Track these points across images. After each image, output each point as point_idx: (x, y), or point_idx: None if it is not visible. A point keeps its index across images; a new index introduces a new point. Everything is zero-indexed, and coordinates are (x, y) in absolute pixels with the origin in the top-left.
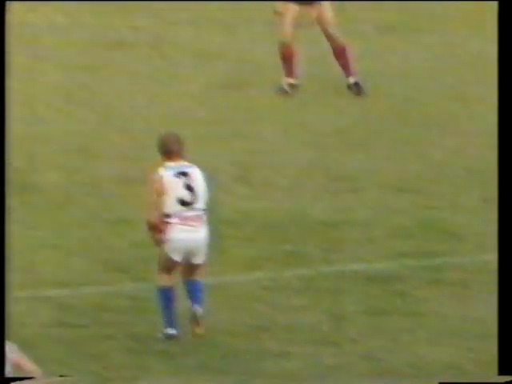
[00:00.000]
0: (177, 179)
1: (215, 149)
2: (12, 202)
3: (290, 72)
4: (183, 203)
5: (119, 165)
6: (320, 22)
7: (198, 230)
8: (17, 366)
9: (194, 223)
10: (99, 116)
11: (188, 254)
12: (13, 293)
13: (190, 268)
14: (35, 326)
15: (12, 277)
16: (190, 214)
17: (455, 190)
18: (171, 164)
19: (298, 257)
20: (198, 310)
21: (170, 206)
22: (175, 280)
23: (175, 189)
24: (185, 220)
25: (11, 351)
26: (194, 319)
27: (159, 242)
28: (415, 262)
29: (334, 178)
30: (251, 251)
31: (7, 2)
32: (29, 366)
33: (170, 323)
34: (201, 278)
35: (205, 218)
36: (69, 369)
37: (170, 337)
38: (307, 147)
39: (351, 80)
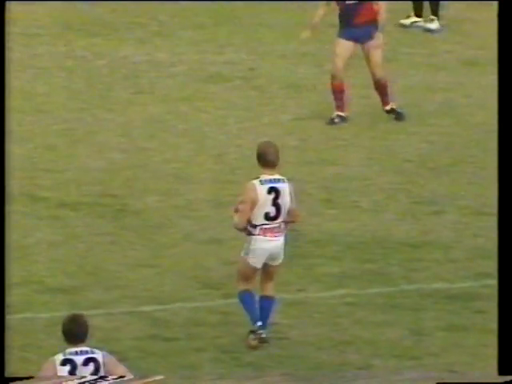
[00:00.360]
0: (268, 196)
1: (304, 174)
2: (110, 225)
3: (340, 106)
4: (268, 218)
5: (213, 189)
6: (367, 58)
7: (278, 238)
8: (111, 375)
9: (275, 234)
10: (195, 144)
11: (268, 260)
12: (109, 309)
13: (267, 271)
14: (129, 339)
15: (108, 294)
16: (272, 226)
17: None
18: (266, 177)
19: (380, 275)
20: (259, 324)
21: (257, 218)
22: (254, 286)
23: (265, 205)
24: (267, 231)
25: (106, 361)
26: (254, 333)
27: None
28: (495, 282)
29: (417, 202)
30: (336, 269)
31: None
32: (123, 372)
33: (257, 318)
34: (272, 289)
35: (283, 226)
36: None
37: (261, 328)
38: (391, 172)
39: (387, 108)
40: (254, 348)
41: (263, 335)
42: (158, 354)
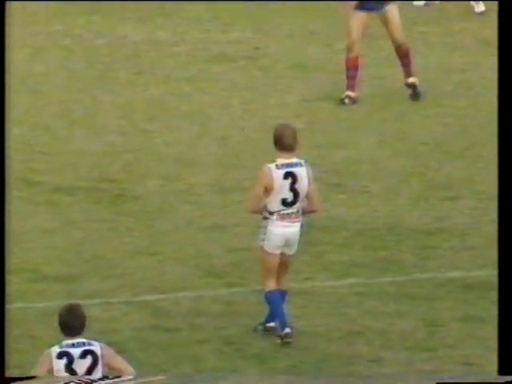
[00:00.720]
0: (284, 181)
1: (312, 158)
2: (108, 210)
3: (352, 85)
4: (285, 203)
5: (216, 173)
6: (385, 24)
7: (296, 224)
8: (110, 367)
9: (292, 219)
10: (198, 126)
11: (284, 247)
12: (107, 298)
13: (282, 261)
14: (128, 330)
15: (106, 283)
16: (289, 211)
17: None
18: (282, 161)
19: (392, 263)
20: (287, 331)
21: (274, 205)
22: (282, 286)
23: (281, 191)
24: (284, 217)
25: (104, 353)
26: (284, 341)
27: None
28: None
29: (431, 186)
30: (345, 257)
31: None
32: (122, 366)
33: (285, 324)
34: (285, 283)
35: (301, 212)
36: (162, 371)
37: (287, 336)
38: (403, 156)
39: (410, 80)
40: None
41: (290, 340)
42: (158, 345)
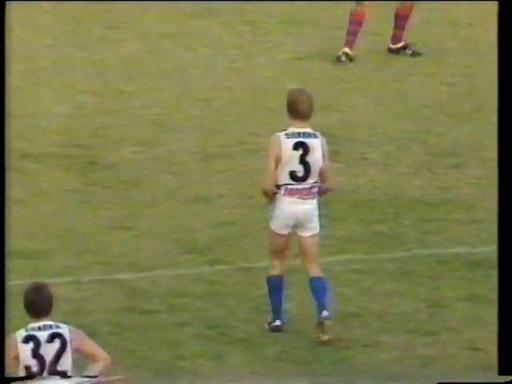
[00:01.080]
0: (294, 152)
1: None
2: (79, 180)
3: (351, 41)
4: (295, 177)
5: (198, 138)
6: None
7: (308, 202)
8: (80, 352)
9: (303, 196)
10: (178, 87)
11: (296, 228)
12: (78, 276)
13: (301, 246)
14: (101, 311)
15: (77, 259)
16: (299, 187)
17: None
18: (293, 129)
19: (392, 238)
20: (325, 315)
21: (281, 178)
22: (285, 267)
23: (290, 162)
24: (293, 193)
25: (72, 337)
26: (321, 325)
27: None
28: None
29: (434, 153)
30: (340, 232)
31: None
32: (93, 351)
33: (278, 315)
34: (318, 270)
35: (315, 190)
36: (138, 358)
37: (275, 329)
38: (404, 119)
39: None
40: (328, 343)
41: (328, 322)
42: (134, 328)
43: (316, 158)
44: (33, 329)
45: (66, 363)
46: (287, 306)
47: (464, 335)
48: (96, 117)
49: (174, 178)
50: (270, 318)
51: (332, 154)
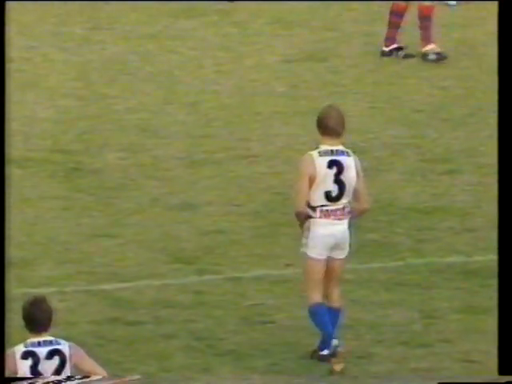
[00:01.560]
0: (329, 171)
1: (294, 126)
2: (63, 186)
3: (392, 36)
4: (330, 198)
5: (185, 144)
6: None
7: (343, 222)
8: (78, 369)
9: (338, 217)
10: (164, 90)
11: (332, 250)
12: (61, 286)
13: (330, 268)
14: (85, 323)
15: (60, 269)
16: (334, 208)
17: None
18: (325, 147)
19: (384, 247)
20: (335, 343)
21: (316, 198)
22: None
23: (325, 182)
24: (329, 214)
25: (72, 353)
26: (333, 355)
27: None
28: None
29: (428, 159)
30: None
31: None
32: (93, 369)
33: (327, 344)
34: (340, 298)
35: (348, 209)
36: (124, 371)
37: (324, 359)
38: (397, 124)
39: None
40: (342, 372)
41: (340, 349)
42: (119, 340)
43: (350, 176)
44: (32, 344)
45: None
46: (278, 317)
47: (459, 347)
48: (80, 121)
49: (159, 184)
50: (316, 345)
51: None
